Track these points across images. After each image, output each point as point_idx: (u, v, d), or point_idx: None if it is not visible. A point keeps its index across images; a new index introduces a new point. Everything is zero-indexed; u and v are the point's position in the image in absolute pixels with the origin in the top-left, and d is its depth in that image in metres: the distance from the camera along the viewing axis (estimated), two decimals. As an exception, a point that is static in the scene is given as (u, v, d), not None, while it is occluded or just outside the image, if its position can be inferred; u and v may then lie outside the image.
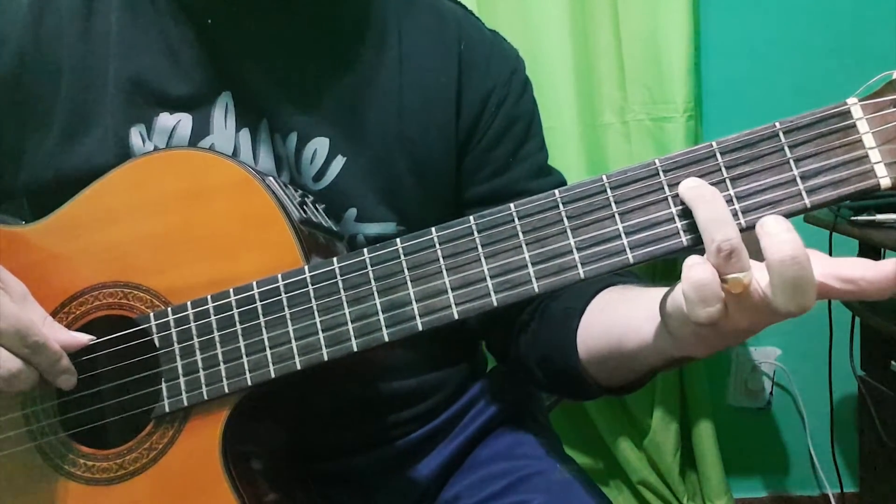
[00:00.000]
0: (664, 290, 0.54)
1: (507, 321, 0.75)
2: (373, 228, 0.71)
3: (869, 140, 0.47)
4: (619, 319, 0.60)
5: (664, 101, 1.57)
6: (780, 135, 0.48)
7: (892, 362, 1.38)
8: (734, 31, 1.65)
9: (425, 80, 0.73)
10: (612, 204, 0.50)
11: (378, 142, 0.71)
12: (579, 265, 0.51)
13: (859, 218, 1.28)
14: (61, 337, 0.59)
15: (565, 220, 0.51)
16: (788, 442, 1.82)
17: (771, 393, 1.80)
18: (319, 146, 0.70)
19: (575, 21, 1.55)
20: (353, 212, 0.71)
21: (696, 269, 0.45)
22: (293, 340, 0.56)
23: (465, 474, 0.78)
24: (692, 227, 0.48)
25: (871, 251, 1.47)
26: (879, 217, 1.27)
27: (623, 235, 0.50)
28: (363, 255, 0.55)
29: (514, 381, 0.84)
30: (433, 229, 0.54)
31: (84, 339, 0.60)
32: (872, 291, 0.44)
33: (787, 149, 0.48)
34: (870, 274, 0.44)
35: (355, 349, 0.55)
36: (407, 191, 0.73)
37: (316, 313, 0.56)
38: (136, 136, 0.67)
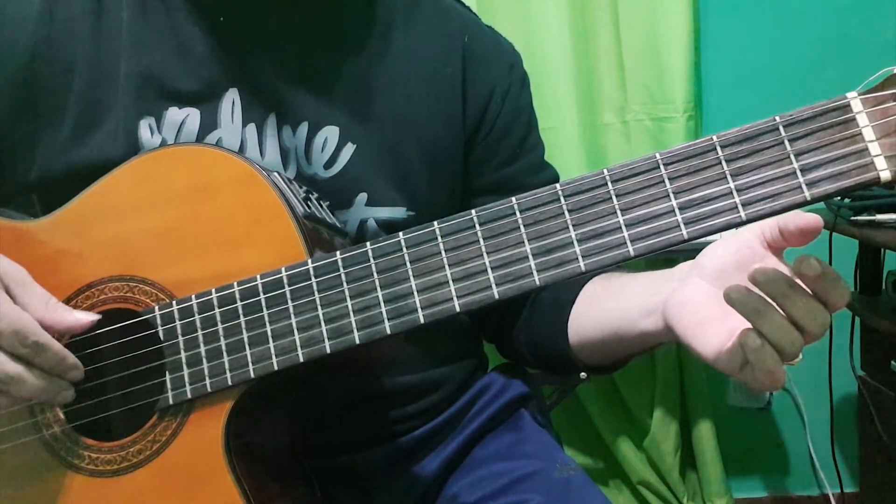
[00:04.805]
0: (648, 279, 0.62)
1: (502, 307, 0.78)
2: (383, 213, 0.72)
3: (869, 133, 0.47)
4: (612, 314, 0.65)
5: (664, 101, 1.58)
6: (781, 128, 0.48)
7: (892, 362, 1.38)
8: (734, 31, 1.66)
9: (432, 69, 0.75)
10: (613, 197, 0.51)
11: (388, 128, 0.73)
12: (580, 258, 0.51)
13: (859, 218, 1.28)
14: (66, 318, 0.59)
15: (566, 213, 0.51)
16: (788, 442, 1.82)
17: (771, 393, 1.80)
18: (330, 134, 0.71)
19: (575, 21, 1.56)
20: (363, 196, 0.72)
21: (776, 372, 0.50)
22: (296, 332, 0.56)
23: (464, 473, 0.78)
24: (692, 220, 0.49)
25: (871, 251, 1.47)
26: (879, 217, 1.27)
27: (624, 228, 0.50)
28: (366, 248, 0.55)
29: (514, 379, 0.85)
30: (435, 222, 0.54)
31: (88, 318, 0.59)
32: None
33: (787, 142, 0.48)
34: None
35: (357, 342, 0.55)
36: (417, 176, 0.74)
37: (319, 306, 0.56)
38: (145, 128, 0.68)
